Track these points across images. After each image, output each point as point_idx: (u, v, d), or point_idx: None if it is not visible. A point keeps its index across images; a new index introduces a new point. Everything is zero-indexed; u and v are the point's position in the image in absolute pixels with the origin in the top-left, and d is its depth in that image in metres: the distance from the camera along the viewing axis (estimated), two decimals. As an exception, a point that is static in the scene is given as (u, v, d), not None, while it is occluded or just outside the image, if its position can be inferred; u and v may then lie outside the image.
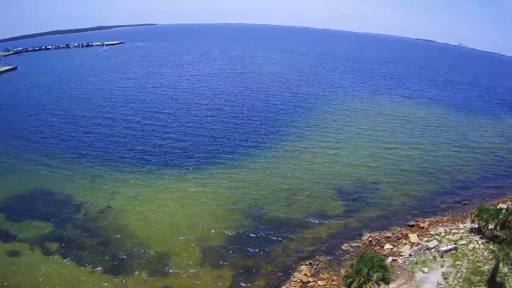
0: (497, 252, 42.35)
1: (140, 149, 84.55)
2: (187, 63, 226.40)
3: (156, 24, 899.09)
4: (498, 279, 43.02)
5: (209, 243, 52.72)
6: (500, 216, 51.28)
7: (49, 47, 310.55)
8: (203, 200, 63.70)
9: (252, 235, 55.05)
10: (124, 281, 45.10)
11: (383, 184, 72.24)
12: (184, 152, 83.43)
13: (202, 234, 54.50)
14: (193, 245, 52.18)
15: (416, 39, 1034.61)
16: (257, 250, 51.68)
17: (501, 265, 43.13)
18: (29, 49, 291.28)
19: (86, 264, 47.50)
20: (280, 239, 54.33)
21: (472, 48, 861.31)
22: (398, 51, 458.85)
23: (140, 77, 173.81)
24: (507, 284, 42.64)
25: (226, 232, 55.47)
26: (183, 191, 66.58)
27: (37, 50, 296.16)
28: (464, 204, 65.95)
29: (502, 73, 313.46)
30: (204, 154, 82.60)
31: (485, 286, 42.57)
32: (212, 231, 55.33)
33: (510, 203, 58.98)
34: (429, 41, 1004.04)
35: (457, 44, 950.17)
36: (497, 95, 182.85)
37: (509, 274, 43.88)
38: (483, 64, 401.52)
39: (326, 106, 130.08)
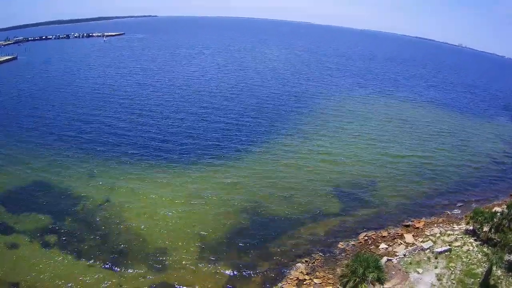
0: (491, 256, 43.02)
1: (139, 143, 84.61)
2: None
3: (156, 15, 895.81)
4: (492, 282, 43.73)
5: (206, 239, 53.15)
6: (495, 219, 52.11)
7: (50, 37, 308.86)
8: (202, 196, 63.94)
9: (249, 232, 55.49)
10: (122, 275, 45.40)
11: (380, 185, 72.81)
12: (184, 148, 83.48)
13: (200, 230, 54.84)
14: (191, 241, 52.55)
15: (415, 37, 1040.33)
16: (254, 247, 52.19)
17: (494, 268, 43.84)
18: (29, 38, 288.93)
19: (84, 258, 47.72)
20: (277, 236, 54.85)
21: (471, 48, 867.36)
22: (399, 49, 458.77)
23: (141, 69, 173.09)
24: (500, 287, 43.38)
25: (223, 229, 55.83)
26: (182, 186, 66.76)
27: (37, 39, 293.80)
28: (460, 206, 66.71)
29: (503, 75, 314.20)
30: (205, 151, 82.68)
31: (478, 288, 43.32)
32: (210, 228, 55.68)
33: (505, 206, 59.53)
34: (429, 40, 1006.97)
35: (457, 44, 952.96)
36: (495, 97, 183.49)
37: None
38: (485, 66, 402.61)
39: (323, 106, 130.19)
